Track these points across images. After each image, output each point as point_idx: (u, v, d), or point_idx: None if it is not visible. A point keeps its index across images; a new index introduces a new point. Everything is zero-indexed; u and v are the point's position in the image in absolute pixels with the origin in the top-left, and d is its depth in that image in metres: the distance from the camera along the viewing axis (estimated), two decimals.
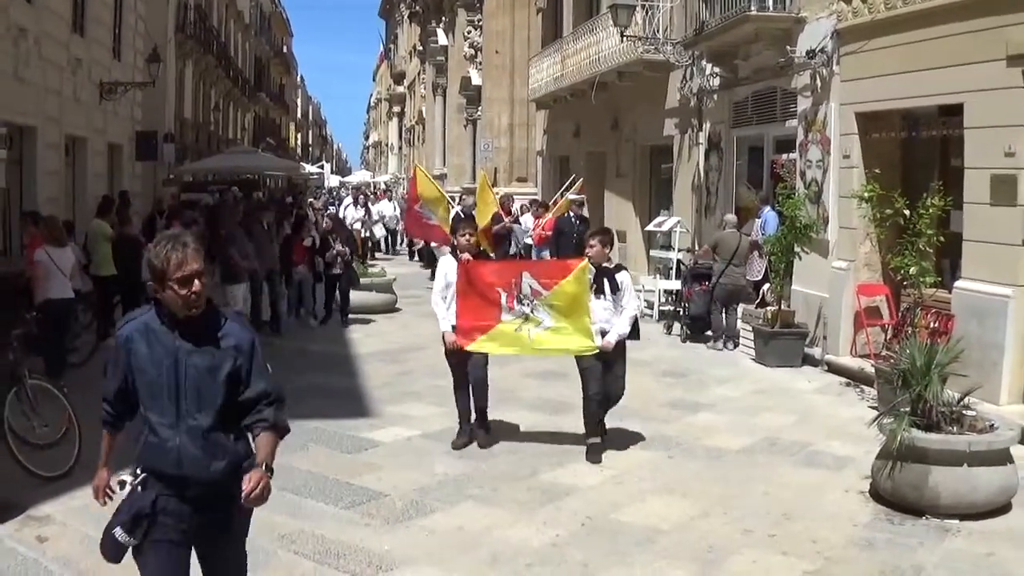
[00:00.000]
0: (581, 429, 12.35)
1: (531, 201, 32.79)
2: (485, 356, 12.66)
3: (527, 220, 29.30)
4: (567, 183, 26.54)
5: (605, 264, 12.17)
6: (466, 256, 12.38)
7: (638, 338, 12.73)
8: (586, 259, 12.14)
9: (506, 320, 12.26)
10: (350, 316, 22.91)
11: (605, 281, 12.01)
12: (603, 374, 11.99)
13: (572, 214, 24.45)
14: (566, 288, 11.98)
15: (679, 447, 12.47)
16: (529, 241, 27.77)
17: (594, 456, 11.86)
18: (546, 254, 25.34)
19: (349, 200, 43.30)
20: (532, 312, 12.16)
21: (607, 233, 12.84)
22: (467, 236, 12.73)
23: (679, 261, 22.91)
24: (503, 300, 12.24)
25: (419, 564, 8.72)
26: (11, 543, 9.08)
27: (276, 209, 27.47)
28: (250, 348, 5.78)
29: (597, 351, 11.85)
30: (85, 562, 8.63)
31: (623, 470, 11.45)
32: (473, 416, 12.69)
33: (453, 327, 12.34)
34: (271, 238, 22.00)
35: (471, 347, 12.32)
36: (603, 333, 11.90)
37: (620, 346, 12.11)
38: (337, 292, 23.14)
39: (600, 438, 12.14)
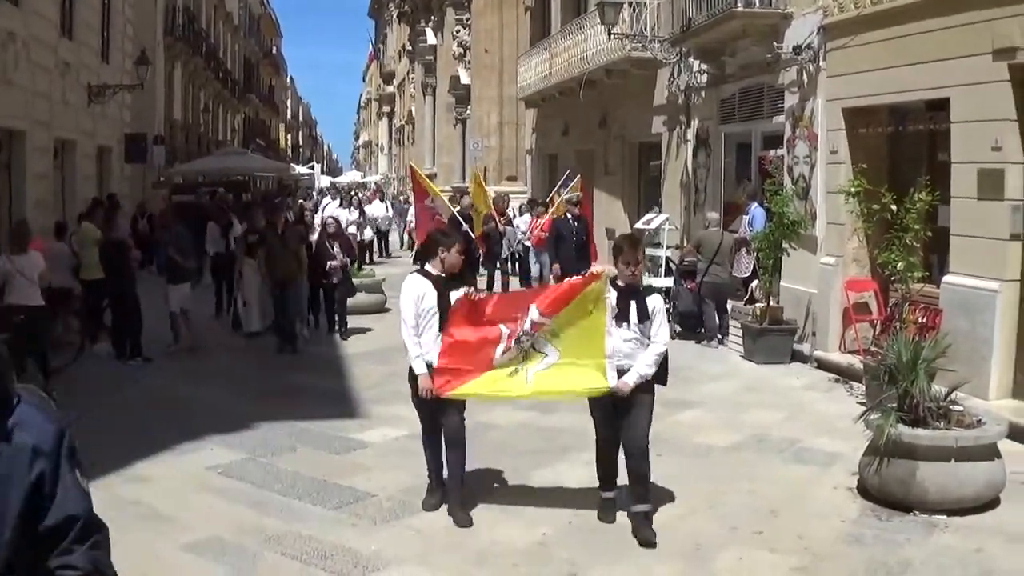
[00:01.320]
0: (569, 428, 12.37)
1: (528, 201, 32.41)
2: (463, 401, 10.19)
3: (524, 221, 28.87)
4: (562, 180, 26.48)
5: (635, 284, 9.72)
6: (471, 291, 10.15)
7: (665, 383, 9.87)
8: (603, 272, 9.93)
9: (500, 363, 9.81)
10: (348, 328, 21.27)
11: (632, 305, 9.48)
12: (620, 420, 9.56)
13: (569, 215, 23.20)
14: (576, 310, 9.64)
15: (667, 444, 12.36)
16: (528, 243, 27.32)
17: (644, 533, 9.27)
18: (545, 258, 24.97)
19: (328, 200, 42.61)
20: (534, 346, 9.79)
21: (640, 245, 10.08)
22: (455, 252, 10.17)
23: (668, 258, 22.90)
24: (504, 339, 9.80)
25: (406, 564, 8.73)
26: None
27: (267, 209, 27.03)
28: (56, 445, 3.66)
29: (609, 392, 9.40)
30: None
31: None
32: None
33: (430, 367, 9.82)
34: (284, 244, 19.79)
35: (451, 393, 9.79)
36: (622, 372, 9.43)
37: (644, 391, 9.50)
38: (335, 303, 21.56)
39: (646, 506, 9.55)
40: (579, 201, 23.73)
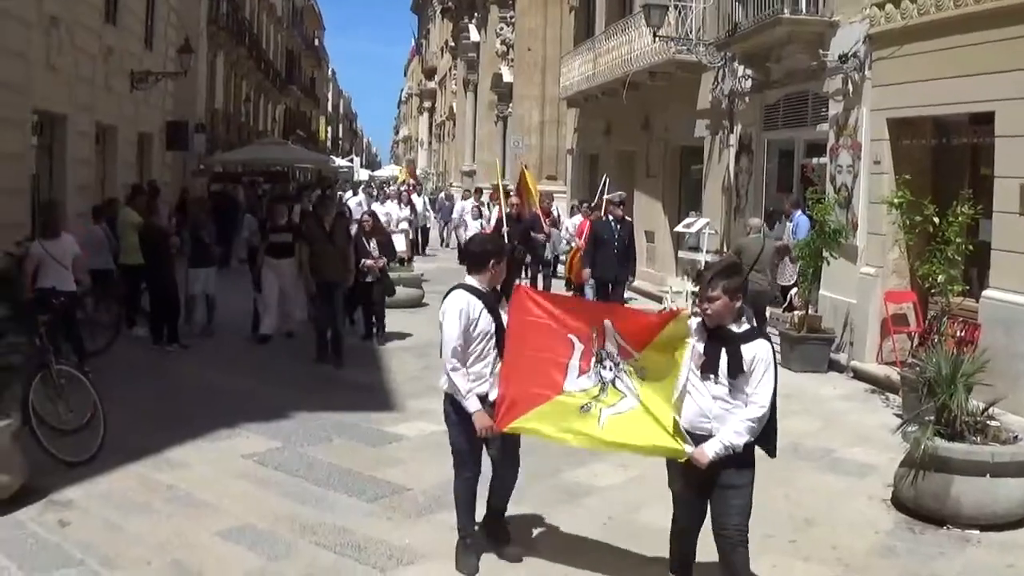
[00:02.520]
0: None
1: (580, 201, 31.03)
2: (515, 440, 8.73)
3: (573, 223, 27.66)
4: (602, 185, 26.35)
5: (730, 325, 7.40)
6: (523, 282, 8.08)
7: (772, 452, 7.81)
8: (682, 311, 7.90)
9: (571, 390, 8.08)
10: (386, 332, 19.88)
11: (723, 354, 7.34)
12: (708, 503, 7.61)
13: (611, 216, 21.40)
14: (660, 351, 7.78)
15: None
16: (573, 245, 25.95)
17: None
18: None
19: (350, 195, 41.04)
20: (615, 381, 7.94)
21: (734, 273, 7.57)
22: (503, 264, 8.69)
23: (707, 263, 22.86)
24: (576, 356, 8.10)
25: (439, 558, 8.74)
26: (33, 527, 9.19)
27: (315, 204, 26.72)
28: None
29: (685, 459, 7.48)
30: (107, 547, 8.76)
31: (645, 470, 11.16)
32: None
33: (484, 400, 8.30)
34: (332, 241, 17.79)
35: (512, 426, 8.23)
36: (704, 437, 7.41)
37: (737, 466, 7.42)
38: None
39: None
40: (622, 202, 22.52)
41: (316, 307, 18.17)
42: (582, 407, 7.99)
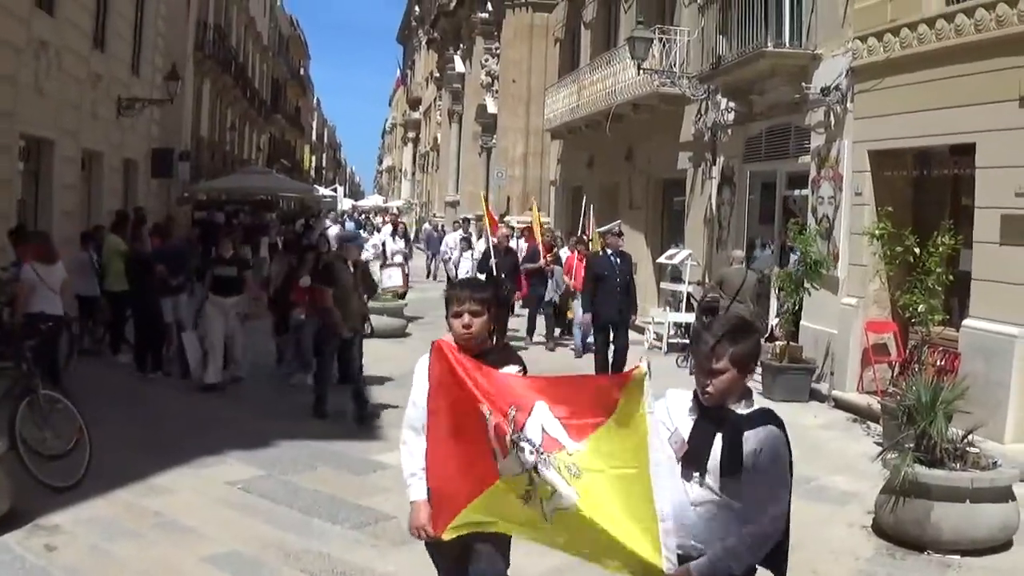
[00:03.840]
0: None
1: (567, 233, 30.33)
2: (500, 538, 6.04)
3: (563, 256, 25.93)
4: (584, 210, 26.33)
5: (731, 405, 5.22)
6: (464, 329, 6.03)
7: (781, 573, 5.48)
8: (638, 369, 5.06)
9: (507, 475, 5.52)
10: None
11: (716, 442, 5.12)
12: None
13: (610, 251, 19.32)
14: (613, 434, 5.20)
15: None
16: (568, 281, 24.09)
17: None
18: (578, 307, 21.80)
19: (328, 224, 40.15)
20: (535, 470, 5.30)
21: (745, 336, 5.22)
22: (467, 313, 6.01)
23: (689, 294, 22.95)
24: (491, 433, 5.48)
25: None
26: (20, 551, 9.18)
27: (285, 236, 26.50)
28: None
29: None
30: (93, 572, 8.79)
31: None
32: None
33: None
34: (356, 284, 16.05)
35: (450, 530, 5.84)
36: (688, 557, 5.03)
37: None
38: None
39: None
40: (621, 232, 21.05)
41: (321, 361, 16.19)
42: (522, 496, 5.51)
